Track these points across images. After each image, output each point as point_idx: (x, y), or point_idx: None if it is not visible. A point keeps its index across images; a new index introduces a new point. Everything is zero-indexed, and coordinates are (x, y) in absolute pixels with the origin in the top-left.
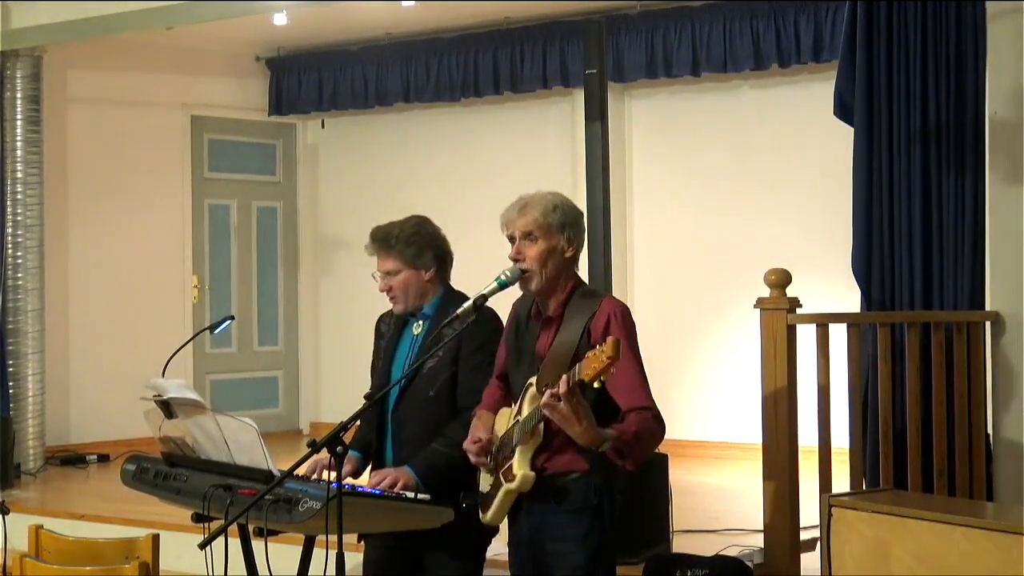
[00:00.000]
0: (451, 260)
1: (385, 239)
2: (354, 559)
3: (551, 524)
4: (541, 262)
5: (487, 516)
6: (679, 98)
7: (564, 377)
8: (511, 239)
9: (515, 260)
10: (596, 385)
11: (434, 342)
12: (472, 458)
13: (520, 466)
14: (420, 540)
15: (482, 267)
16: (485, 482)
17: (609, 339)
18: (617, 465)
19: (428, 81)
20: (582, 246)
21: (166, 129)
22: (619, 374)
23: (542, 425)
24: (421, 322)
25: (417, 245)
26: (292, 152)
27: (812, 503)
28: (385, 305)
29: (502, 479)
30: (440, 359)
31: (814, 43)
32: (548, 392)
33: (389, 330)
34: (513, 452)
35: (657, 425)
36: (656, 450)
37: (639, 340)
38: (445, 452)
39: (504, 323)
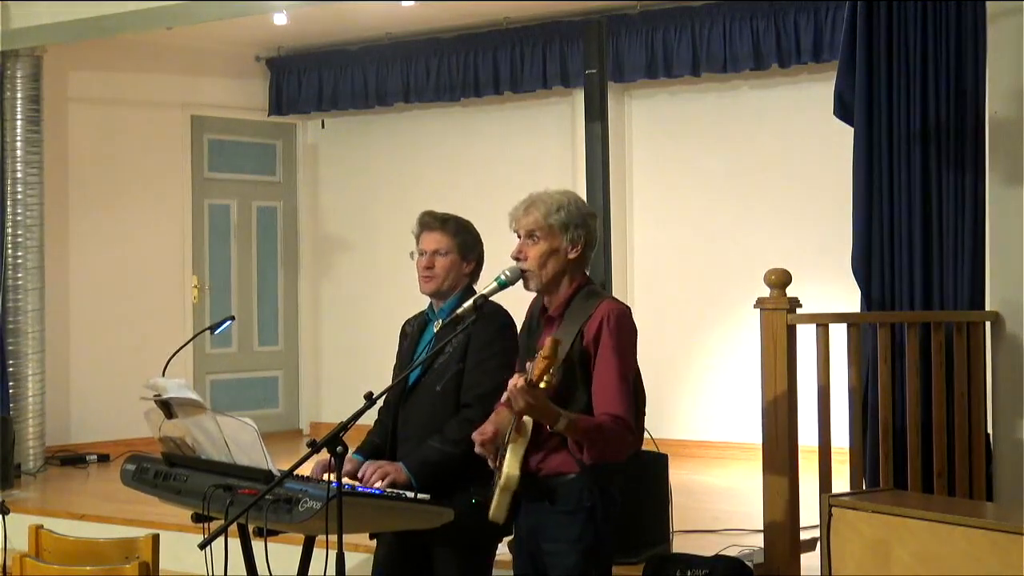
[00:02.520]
0: (482, 266)
1: (444, 219)
2: (354, 559)
3: (546, 525)
4: (541, 262)
5: (489, 513)
6: (679, 98)
7: (517, 377)
8: (518, 236)
9: (516, 259)
10: (542, 385)
11: (437, 341)
12: (476, 448)
13: (508, 465)
14: (429, 538)
15: (482, 266)
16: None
17: (548, 339)
18: (614, 467)
19: (428, 81)
20: (592, 246)
21: (166, 129)
22: (598, 379)
23: (529, 423)
24: (440, 321)
25: (469, 237)
26: (292, 152)
27: (812, 503)
28: (387, 305)
29: (499, 477)
30: (449, 355)
31: (814, 43)
32: (507, 390)
33: (413, 331)
34: (507, 450)
35: (626, 434)
36: (656, 450)
37: (640, 342)
38: (439, 448)
39: (513, 321)
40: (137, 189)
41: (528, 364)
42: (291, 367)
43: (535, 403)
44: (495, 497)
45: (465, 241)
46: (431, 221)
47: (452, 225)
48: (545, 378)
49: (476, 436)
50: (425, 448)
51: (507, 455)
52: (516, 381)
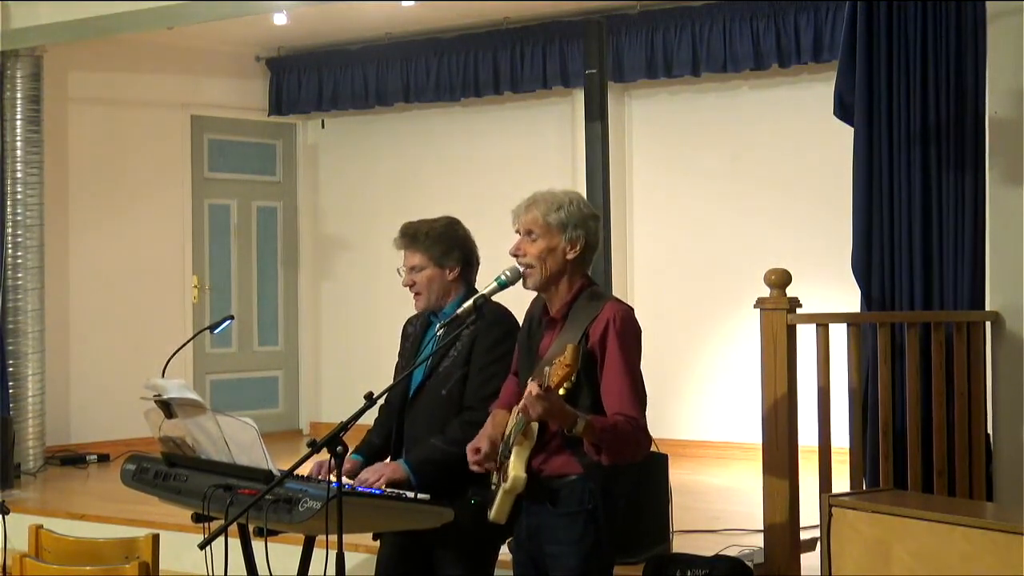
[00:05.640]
0: (478, 263)
1: (414, 235)
2: (354, 559)
3: (547, 526)
4: (539, 261)
5: (491, 514)
6: (679, 98)
7: (535, 383)
8: (519, 234)
9: (515, 256)
10: (561, 392)
11: (438, 342)
12: (474, 468)
13: (514, 467)
14: (431, 538)
15: (482, 267)
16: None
17: (569, 347)
18: (617, 469)
19: (428, 81)
20: (593, 248)
21: (166, 129)
22: (608, 380)
23: (535, 426)
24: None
25: (445, 244)
26: (292, 152)
27: (812, 503)
28: (387, 305)
29: (501, 479)
30: (454, 359)
31: (814, 43)
32: (524, 397)
33: (415, 331)
34: (511, 452)
35: (641, 435)
36: (656, 450)
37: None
38: (441, 447)
39: (518, 324)
40: (137, 189)
41: (546, 369)
42: (291, 367)
43: (552, 408)
44: (498, 498)
45: (440, 249)
46: (402, 238)
47: (423, 238)
48: (565, 385)
49: (471, 457)
50: (427, 446)
51: (512, 458)
52: (531, 388)
